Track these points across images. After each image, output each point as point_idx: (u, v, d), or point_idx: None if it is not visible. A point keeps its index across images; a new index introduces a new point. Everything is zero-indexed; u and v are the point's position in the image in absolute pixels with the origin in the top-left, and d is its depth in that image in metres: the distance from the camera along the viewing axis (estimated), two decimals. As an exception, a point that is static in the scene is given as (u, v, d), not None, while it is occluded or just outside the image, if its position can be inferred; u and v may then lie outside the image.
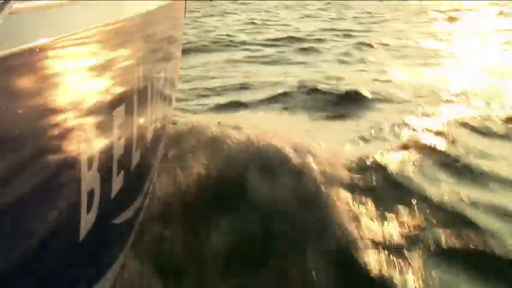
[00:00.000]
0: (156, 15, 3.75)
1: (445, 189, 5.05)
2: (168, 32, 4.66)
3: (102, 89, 2.25)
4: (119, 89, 2.51)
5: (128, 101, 2.68)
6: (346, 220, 4.15)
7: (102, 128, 2.20)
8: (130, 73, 2.78)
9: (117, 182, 2.54)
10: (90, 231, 2.11)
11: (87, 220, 2.07)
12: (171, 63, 4.84)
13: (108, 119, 2.31)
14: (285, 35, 18.50)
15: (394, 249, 3.89)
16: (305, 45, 16.33)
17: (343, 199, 4.55)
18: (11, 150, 1.48)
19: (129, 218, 3.04)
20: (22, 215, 1.58)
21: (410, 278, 3.57)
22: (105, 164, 2.28)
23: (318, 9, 30.22)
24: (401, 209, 4.55)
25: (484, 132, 7.01)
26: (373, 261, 3.71)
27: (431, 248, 3.98)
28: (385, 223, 4.31)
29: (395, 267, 3.66)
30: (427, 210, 4.56)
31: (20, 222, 1.57)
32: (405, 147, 6.20)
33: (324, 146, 5.47)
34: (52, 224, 1.80)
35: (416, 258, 3.80)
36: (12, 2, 1.41)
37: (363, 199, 4.66)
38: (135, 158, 2.97)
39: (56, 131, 1.75)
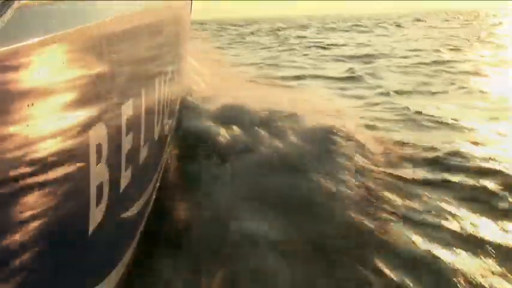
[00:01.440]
0: (163, 13, 3.76)
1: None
2: (175, 29, 4.67)
3: (110, 83, 2.26)
4: (127, 84, 2.52)
5: (136, 96, 2.70)
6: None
7: (111, 123, 2.22)
8: (138, 69, 2.79)
9: (126, 176, 2.55)
10: (100, 224, 2.13)
11: (96, 213, 2.09)
12: (178, 59, 4.85)
13: (117, 114, 2.33)
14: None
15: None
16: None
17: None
18: (20, 144, 1.50)
19: (138, 211, 3.06)
20: (32, 208, 1.60)
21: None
22: (114, 158, 2.30)
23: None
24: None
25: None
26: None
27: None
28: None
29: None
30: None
31: (29, 215, 1.59)
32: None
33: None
34: (61, 218, 1.82)
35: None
36: None
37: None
38: (143, 152, 2.99)
39: (64, 125, 1.77)
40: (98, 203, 2.09)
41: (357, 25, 49.24)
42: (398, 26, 48.51)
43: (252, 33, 46.01)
